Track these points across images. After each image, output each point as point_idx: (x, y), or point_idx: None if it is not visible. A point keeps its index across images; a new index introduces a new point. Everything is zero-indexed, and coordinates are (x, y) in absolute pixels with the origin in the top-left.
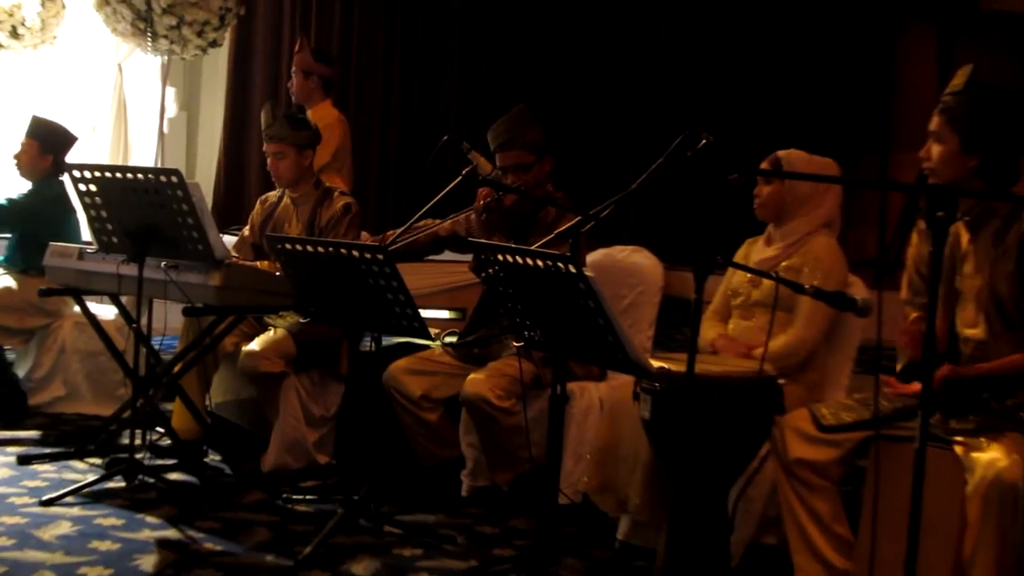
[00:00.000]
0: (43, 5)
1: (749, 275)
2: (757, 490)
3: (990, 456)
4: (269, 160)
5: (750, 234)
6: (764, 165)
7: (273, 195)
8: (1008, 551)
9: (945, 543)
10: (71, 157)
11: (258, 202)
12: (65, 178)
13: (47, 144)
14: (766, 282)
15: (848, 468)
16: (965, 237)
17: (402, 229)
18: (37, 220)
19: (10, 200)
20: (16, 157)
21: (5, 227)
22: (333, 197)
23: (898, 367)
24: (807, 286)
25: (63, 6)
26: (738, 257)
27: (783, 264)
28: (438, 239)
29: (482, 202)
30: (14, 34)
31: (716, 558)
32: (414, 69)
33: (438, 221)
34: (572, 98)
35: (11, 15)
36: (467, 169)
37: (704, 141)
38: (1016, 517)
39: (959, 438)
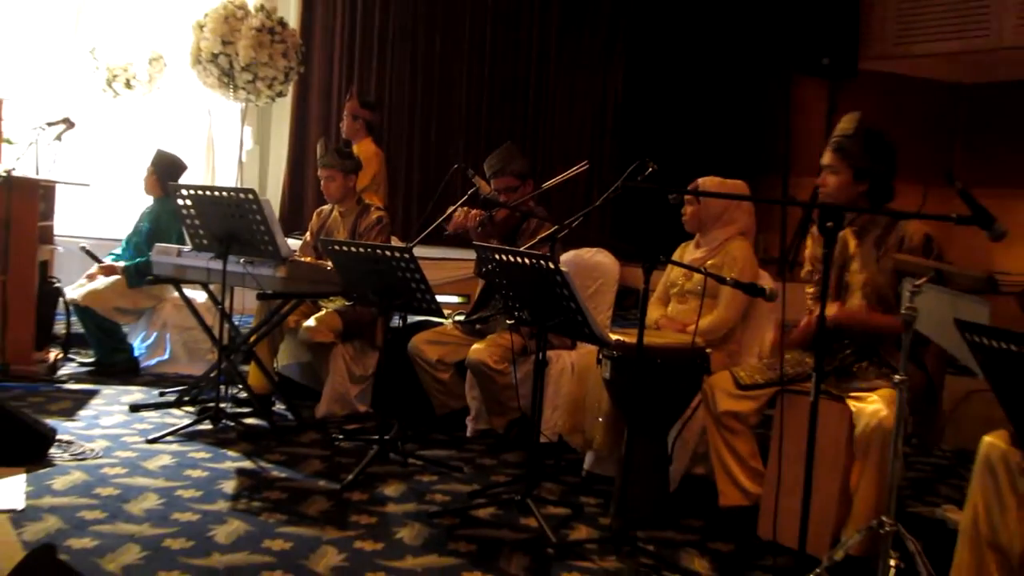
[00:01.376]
0: (150, 63)
1: (684, 270)
2: (690, 432)
3: (874, 407)
4: (322, 182)
5: (684, 239)
6: (691, 187)
7: (326, 209)
8: (884, 479)
9: (835, 473)
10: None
11: (315, 214)
12: None
13: (159, 170)
14: (696, 275)
15: (761, 416)
16: (853, 242)
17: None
18: (163, 229)
19: (149, 227)
20: (144, 180)
21: (148, 248)
22: (370, 211)
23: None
24: (728, 278)
25: (165, 64)
26: (675, 257)
27: (708, 262)
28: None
29: (478, 219)
30: (128, 85)
31: (659, 484)
32: (431, 114)
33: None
34: (549, 136)
35: (125, 71)
36: (472, 190)
37: (651, 169)
38: (891, 454)
39: (852, 394)
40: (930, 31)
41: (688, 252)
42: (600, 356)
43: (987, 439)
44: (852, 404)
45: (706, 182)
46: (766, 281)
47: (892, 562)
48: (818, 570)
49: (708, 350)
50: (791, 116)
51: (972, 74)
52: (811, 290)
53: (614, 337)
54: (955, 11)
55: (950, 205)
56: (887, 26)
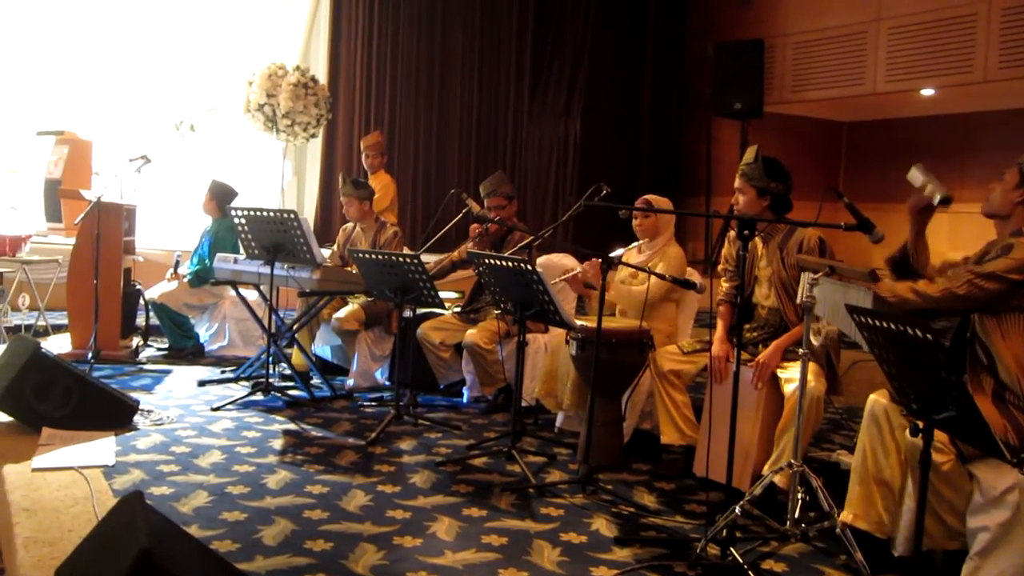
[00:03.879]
0: (209, 113)
1: (631, 269)
2: (639, 396)
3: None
4: (344, 207)
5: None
6: (639, 203)
7: (349, 226)
8: (806, 429)
9: (756, 424)
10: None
11: (341, 230)
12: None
13: (215, 196)
14: (641, 273)
15: (694, 381)
16: (760, 246)
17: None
18: (219, 241)
19: (209, 241)
20: (203, 204)
21: (208, 258)
22: (387, 227)
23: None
24: (667, 276)
25: (220, 113)
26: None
27: (650, 263)
28: (454, 262)
29: (476, 232)
30: (192, 129)
31: (615, 437)
32: (431, 151)
33: (454, 254)
34: (524, 169)
35: (190, 118)
36: (465, 210)
37: (605, 191)
38: (819, 413)
39: (783, 364)
40: (819, 81)
41: (632, 256)
42: (568, 337)
43: (873, 396)
44: (780, 373)
45: (657, 199)
46: (696, 277)
47: (799, 495)
48: (743, 502)
49: (651, 331)
50: (712, 148)
51: (851, 114)
52: (725, 283)
53: (579, 322)
54: (838, 66)
55: (839, 216)
56: (785, 78)
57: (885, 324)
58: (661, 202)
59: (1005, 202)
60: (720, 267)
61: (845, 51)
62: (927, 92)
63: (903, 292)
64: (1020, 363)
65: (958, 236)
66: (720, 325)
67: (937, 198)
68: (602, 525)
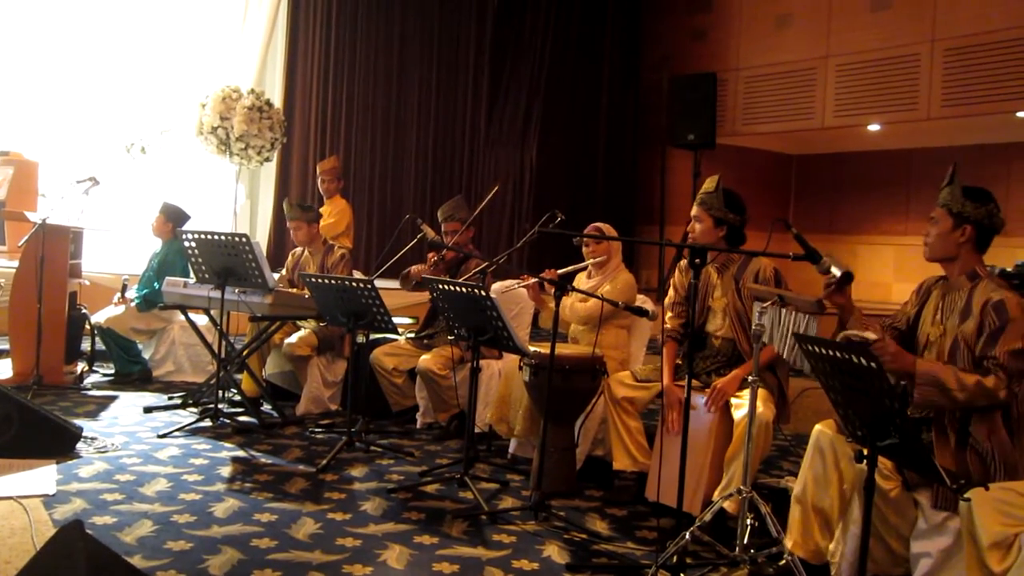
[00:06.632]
0: (160, 135)
1: (581, 294)
2: (591, 422)
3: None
4: (292, 232)
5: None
6: (589, 230)
7: (298, 250)
8: (754, 456)
9: (707, 450)
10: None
11: (290, 255)
12: None
13: (171, 217)
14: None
15: (647, 408)
16: (714, 276)
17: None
18: (168, 265)
19: (157, 265)
20: (152, 225)
21: (156, 281)
22: (335, 250)
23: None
24: (620, 303)
25: (172, 135)
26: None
27: (600, 289)
28: (419, 281)
29: (434, 258)
30: (142, 151)
31: (568, 463)
32: (387, 174)
33: (420, 268)
34: (479, 194)
35: (141, 140)
36: (420, 235)
37: (560, 218)
38: (768, 439)
39: (736, 393)
40: (769, 115)
41: (582, 281)
42: (521, 363)
43: (818, 427)
44: (731, 400)
45: (605, 226)
46: (648, 305)
47: (748, 520)
48: (693, 528)
49: (604, 357)
50: (666, 178)
51: (800, 147)
52: (670, 314)
53: (532, 348)
54: (787, 101)
55: (788, 246)
56: (737, 111)
57: (831, 352)
58: (609, 229)
59: (947, 245)
60: (667, 299)
61: (794, 86)
62: (873, 127)
63: (973, 387)
64: (997, 433)
65: (903, 267)
66: (666, 370)
67: (837, 273)
68: (554, 552)
